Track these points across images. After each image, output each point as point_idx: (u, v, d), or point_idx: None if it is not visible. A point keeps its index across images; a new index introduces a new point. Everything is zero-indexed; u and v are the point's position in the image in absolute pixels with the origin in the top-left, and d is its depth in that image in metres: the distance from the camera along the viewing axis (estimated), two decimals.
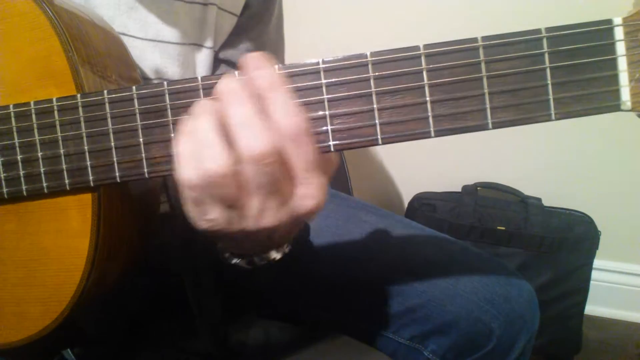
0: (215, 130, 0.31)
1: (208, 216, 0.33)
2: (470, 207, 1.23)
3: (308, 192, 0.32)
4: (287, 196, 0.32)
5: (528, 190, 1.25)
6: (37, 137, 0.40)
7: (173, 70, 0.56)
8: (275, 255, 0.43)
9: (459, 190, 1.27)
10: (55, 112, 0.39)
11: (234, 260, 0.44)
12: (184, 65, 0.57)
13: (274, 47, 0.67)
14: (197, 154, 0.31)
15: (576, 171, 1.29)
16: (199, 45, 0.58)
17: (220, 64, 0.63)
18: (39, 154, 0.40)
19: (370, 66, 0.33)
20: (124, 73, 0.46)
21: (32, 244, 0.42)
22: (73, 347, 0.52)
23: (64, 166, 0.39)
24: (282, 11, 0.68)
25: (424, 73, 0.33)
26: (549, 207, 1.22)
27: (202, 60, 0.59)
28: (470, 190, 1.26)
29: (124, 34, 0.52)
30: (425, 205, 1.27)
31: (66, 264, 0.42)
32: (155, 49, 0.54)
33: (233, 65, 0.63)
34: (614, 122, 1.12)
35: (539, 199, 1.23)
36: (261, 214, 0.32)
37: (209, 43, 0.59)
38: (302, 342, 0.65)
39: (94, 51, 0.42)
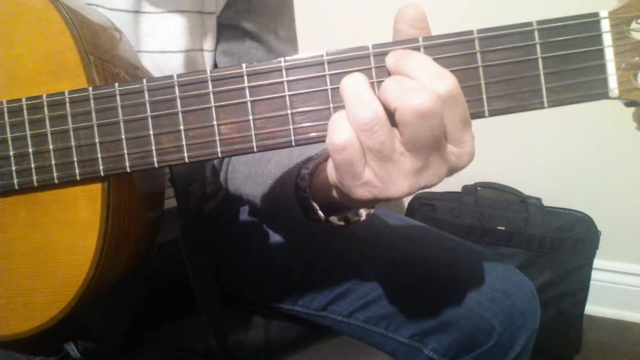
0: (365, 85, 0.33)
1: (362, 179, 0.33)
2: (470, 207, 1.23)
3: (465, 150, 0.33)
4: (445, 154, 0.33)
5: (528, 190, 1.25)
6: (48, 129, 0.40)
7: (186, 39, 0.58)
8: (364, 215, 0.45)
9: (459, 190, 1.27)
10: (67, 104, 0.39)
11: (323, 217, 0.45)
12: (192, 34, 0.58)
13: (275, 9, 0.65)
14: (351, 108, 0.32)
15: (576, 171, 1.29)
16: (202, 13, 0.60)
17: (222, 27, 0.63)
18: (50, 146, 0.40)
19: (372, 58, 0.34)
20: (130, 70, 0.47)
21: (41, 235, 0.43)
22: (78, 341, 0.52)
23: (75, 158, 0.40)
24: None
25: None
26: (549, 207, 1.23)
27: (208, 26, 0.60)
28: (470, 190, 1.26)
29: (137, 12, 0.54)
30: (425, 205, 1.27)
31: (75, 254, 0.42)
32: (164, 22, 0.56)
33: (235, 28, 0.63)
34: (614, 123, 1.14)
35: (539, 199, 1.23)
36: (421, 172, 0.33)
37: (211, 8, 0.60)
38: (302, 342, 0.65)
39: (103, 49, 0.43)
